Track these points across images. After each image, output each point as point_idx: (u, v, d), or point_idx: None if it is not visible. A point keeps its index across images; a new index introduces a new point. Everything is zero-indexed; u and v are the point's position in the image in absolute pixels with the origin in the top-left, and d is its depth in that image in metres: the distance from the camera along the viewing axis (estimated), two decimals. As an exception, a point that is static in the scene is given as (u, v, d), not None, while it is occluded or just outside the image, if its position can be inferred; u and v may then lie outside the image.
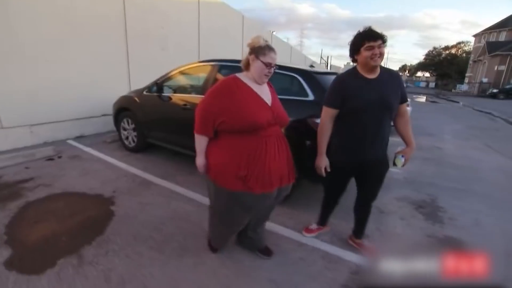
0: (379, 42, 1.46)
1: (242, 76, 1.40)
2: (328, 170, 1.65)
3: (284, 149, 1.45)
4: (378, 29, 1.49)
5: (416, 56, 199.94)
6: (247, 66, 1.40)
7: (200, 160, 1.44)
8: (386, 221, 2.36)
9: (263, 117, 1.31)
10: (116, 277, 1.54)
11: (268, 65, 1.33)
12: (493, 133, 7.18)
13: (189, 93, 3.09)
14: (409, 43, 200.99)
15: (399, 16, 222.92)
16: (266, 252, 1.77)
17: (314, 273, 1.67)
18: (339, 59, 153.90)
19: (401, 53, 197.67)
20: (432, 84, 40.06)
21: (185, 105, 2.91)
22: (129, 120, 3.63)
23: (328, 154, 1.66)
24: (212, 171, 1.40)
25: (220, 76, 2.74)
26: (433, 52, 47.04)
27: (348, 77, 1.57)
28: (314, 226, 2.07)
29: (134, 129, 3.61)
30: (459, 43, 45.81)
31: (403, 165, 1.68)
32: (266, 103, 1.37)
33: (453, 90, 33.19)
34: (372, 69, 1.51)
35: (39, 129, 3.81)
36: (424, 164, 4.10)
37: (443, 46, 46.72)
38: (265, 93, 1.41)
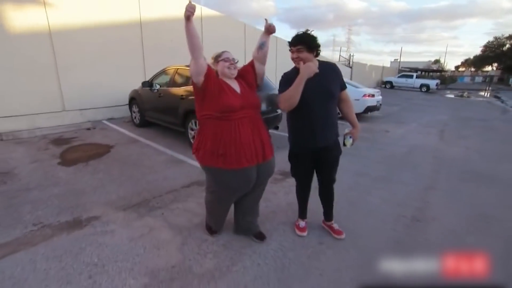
0: (298, 47, 1.62)
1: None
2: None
3: (259, 129, 1.71)
4: (315, 33, 1.65)
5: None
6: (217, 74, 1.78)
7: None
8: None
9: (235, 102, 1.63)
10: (98, 169, 3.34)
11: (226, 60, 1.70)
12: (473, 123, 7.42)
13: (162, 86, 4.82)
14: (480, 33, 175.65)
15: (467, 2, 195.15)
16: (260, 236, 1.97)
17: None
18: (392, 55, 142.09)
19: (468, 45, 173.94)
20: (479, 79, 35.53)
21: (160, 94, 4.66)
22: (135, 105, 5.56)
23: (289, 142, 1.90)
24: (201, 156, 1.71)
25: (180, 72, 4.43)
26: (493, 43, 41.41)
27: (291, 73, 1.74)
28: (302, 223, 2.10)
29: (138, 111, 5.52)
30: (528, 30, 39.38)
31: (352, 144, 1.86)
32: (237, 92, 1.71)
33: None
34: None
35: (86, 112, 6.02)
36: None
37: (506, 35, 40.80)
38: (235, 85, 1.75)
